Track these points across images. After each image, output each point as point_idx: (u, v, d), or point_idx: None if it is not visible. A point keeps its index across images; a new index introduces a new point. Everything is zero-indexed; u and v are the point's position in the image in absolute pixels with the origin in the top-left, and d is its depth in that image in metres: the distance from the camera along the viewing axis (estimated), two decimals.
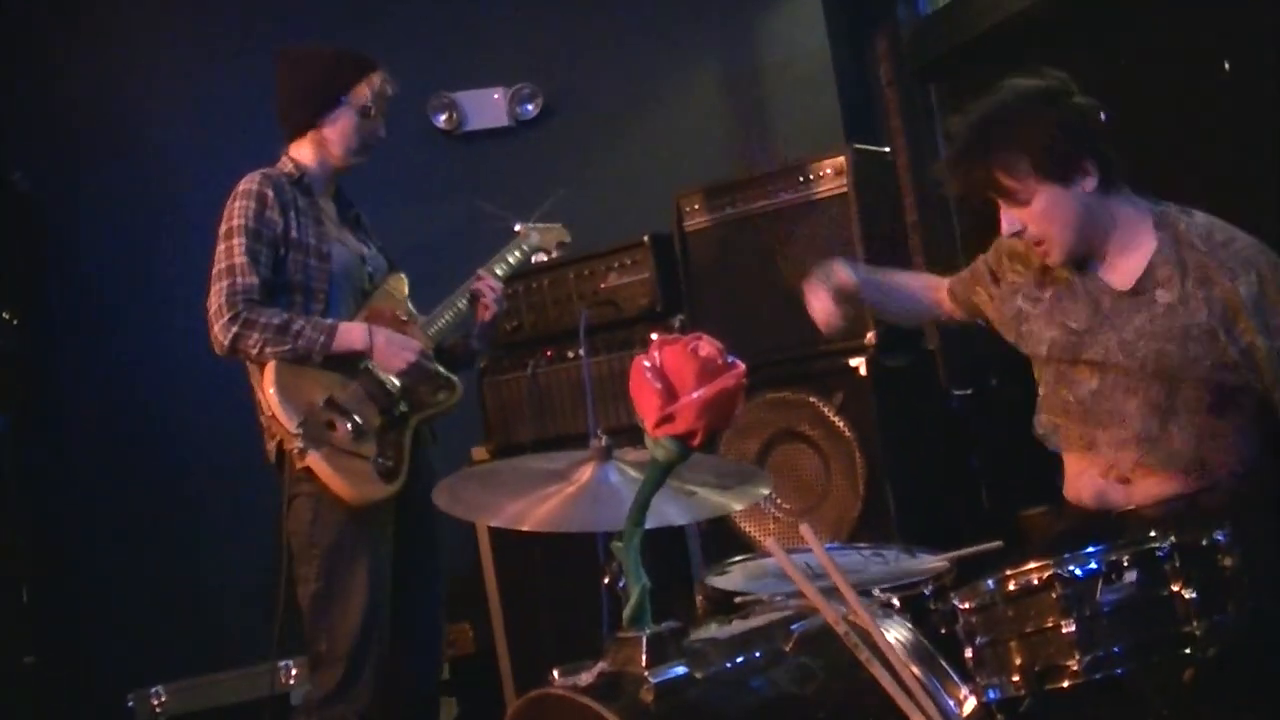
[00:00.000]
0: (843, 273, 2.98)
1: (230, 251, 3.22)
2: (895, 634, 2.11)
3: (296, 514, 3.26)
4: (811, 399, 3.74)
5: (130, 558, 4.66)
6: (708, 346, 1.93)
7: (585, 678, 1.93)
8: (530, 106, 5.02)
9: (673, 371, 1.91)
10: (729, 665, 2.05)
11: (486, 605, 4.28)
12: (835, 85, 4.69)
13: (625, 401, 2.00)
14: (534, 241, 3.74)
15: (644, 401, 1.93)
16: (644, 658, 1.92)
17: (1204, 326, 2.58)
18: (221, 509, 4.72)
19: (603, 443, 2.18)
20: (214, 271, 3.23)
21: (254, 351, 3.18)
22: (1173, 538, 1.97)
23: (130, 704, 4.21)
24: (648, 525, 1.99)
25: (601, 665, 1.95)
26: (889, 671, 1.91)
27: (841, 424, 3.69)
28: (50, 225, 4.83)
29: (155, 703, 4.20)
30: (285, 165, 3.40)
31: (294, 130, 3.42)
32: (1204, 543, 1.99)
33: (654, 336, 2.00)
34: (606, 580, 2.05)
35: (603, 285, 4.20)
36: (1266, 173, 3.31)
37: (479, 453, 4.35)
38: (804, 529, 2.06)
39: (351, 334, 3.27)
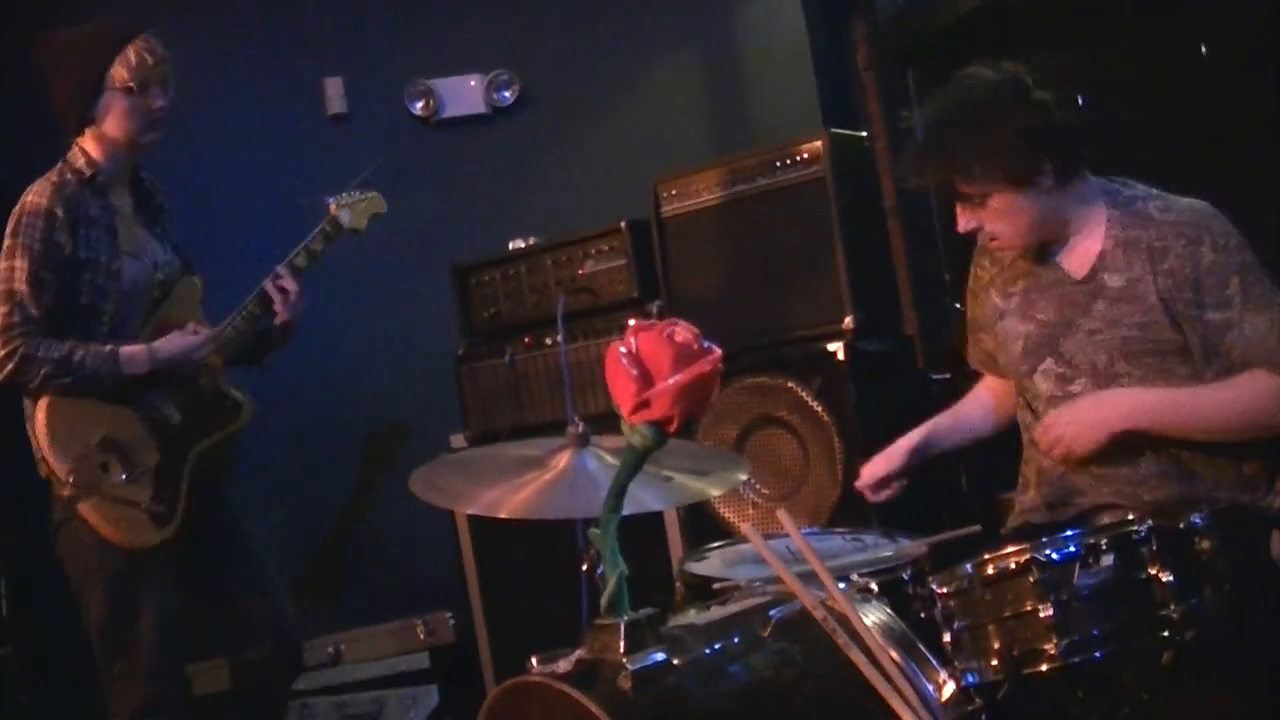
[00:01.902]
0: (874, 467, 2.92)
1: (11, 275, 3.01)
2: (873, 618, 2.11)
3: (71, 538, 3.13)
4: (790, 384, 3.73)
5: None
6: (683, 332, 1.92)
7: (563, 665, 1.92)
8: (507, 93, 4.98)
9: (648, 357, 1.90)
10: (707, 651, 2.04)
11: (466, 594, 4.28)
12: (813, 70, 4.68)
13: (604, 388, 1.98)
14: (344, 219, 3.52)
15: (619, 388, 1.92)
16: (622, 644, 1.92)
17: (1156, 306, 2.51)
18: None
19: (579, 429, 2.17)
20: None
21: (33, 385, 3.03)
22: (1150, 521, 1.98)
23: None
24: (625, 511, 1.98)
25: (579, 652, 1.95)
26: (867, 656, 1.90)
27: (820, 409, 3.68)
28: None
29: None
30: (76, 159, 3.16)
31: (74, 127, 3.18)
32: (1181, 526, 1.99)
33: (631, 322, 1.98)
34: (585, 567, 2.04)
35: (580, 271, 4.18)
36: (1244, 153, 3.33)
37: (457, 440, 4.34)
38: (781, 514, 2.06)
39: (135, 360, 3.11)
